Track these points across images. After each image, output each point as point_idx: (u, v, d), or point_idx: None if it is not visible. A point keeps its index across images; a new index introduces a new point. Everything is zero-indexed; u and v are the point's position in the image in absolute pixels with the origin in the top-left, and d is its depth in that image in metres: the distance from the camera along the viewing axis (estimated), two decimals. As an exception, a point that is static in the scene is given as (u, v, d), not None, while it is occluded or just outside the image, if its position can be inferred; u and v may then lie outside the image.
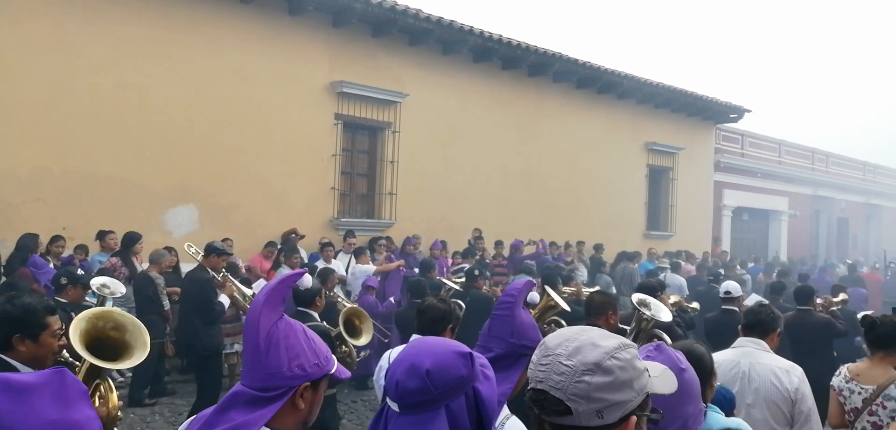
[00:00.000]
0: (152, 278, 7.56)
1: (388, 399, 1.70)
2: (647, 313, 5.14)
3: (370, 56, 11.57)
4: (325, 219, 11.09)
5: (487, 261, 11.78)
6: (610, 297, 4.70)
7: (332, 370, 1.82)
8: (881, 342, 3.96)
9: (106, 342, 2.81)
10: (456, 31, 12.02)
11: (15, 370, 2.69)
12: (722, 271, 13.63)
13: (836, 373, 4.14)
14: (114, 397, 2.73)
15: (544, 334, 4.30)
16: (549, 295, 6.07)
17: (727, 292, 7.02)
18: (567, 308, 6.18)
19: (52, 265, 7.62)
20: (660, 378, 1.54)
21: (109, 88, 9.11)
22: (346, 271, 9.74)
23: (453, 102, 12.77)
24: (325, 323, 5.45)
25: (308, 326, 1.89)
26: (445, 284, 8.81)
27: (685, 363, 1.97)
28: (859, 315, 5.13)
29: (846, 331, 7.73)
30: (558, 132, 14.60)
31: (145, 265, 8.05)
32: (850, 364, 4.22)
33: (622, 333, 5.11)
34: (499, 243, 12.25)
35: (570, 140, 14.84)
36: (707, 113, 18.14)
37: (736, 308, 6.85)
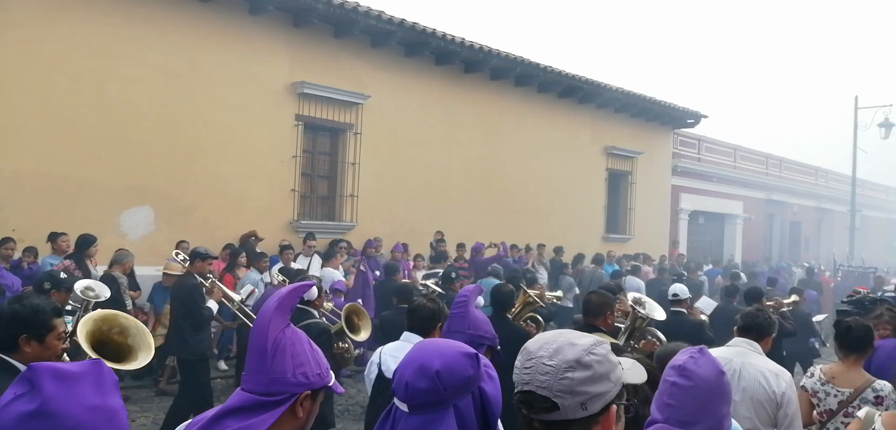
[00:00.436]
0: (115, 278, 7.47)
1: (396, 400, 1.76)
2: (642, 311, 5.29)
3: (332, 57, 11.50)
4: (285, 221, 10.98)
5: (450, 263, 11.84)
6: (608, 298, 4.83)
7: (331, 383, 1.85)
8: (855, 346, 4.07)
9: (110, 345, 2.84)
10: (418, 34, 12.02)
11: (17, 371, 2.69)
12: (684, 274, 14.05)
13: (808, 374, 4.25)
14: None
15: (521, 330, 4.43)
16: (526, 293, 6.45)
17: (675, 295, 7.18)
18: (543, 305, 6.49)
19: (1, 267, 7.40)
20: (631, 371, 1.68)
21: (64, 86, 8.88)
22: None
23: (415, 104, 12.77)
24: (324, 320, 5.66)
25: (309, 322, 1.95)
26: (429, 287, 8.87)
27: (724, 367, 2.07)
28: (820, 318, 5.33)
29: (794, 331, 8.02)
30: (520, 136, 14.71)
31: (100, 269, 7.91)
32: (823, 366, 4.31)
33: (618, 330, 5.27)
34: (460, 246, 12.30)
35: (532, 143, 14.96)
36: (665, 118, 18.47)
37: (684, 310, 7.02)
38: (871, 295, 7.13)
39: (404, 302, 7.04)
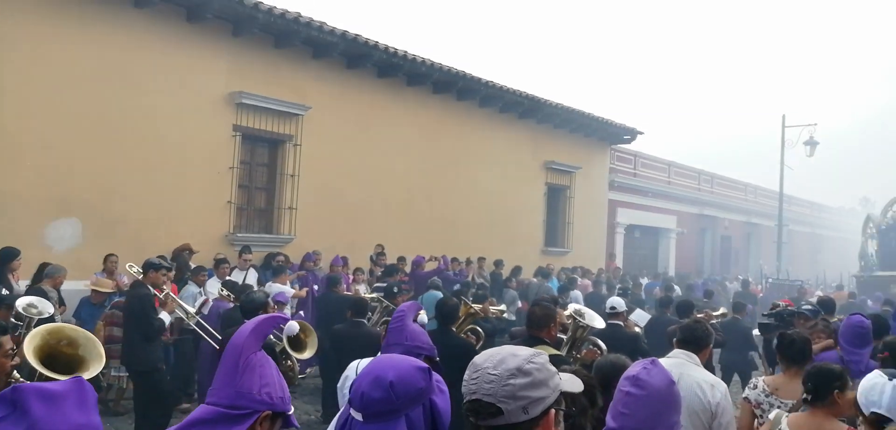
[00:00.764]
0: (46, 293, 7.15)
1: (351, 410, 1.88)
2: (583, 322, 5.51)
3: (271, 67, 11.31)
4: (221, 234, 10.71)
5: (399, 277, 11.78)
6: (551, 310, 4.97)
7: (290, 413, 1.92)
8: (797, 358, 4.18)
9: (60, 358, 2.76)
10: (361, 46, 11.95)
11: None
12: (630, 286, 14.63)
13: (751, 386, 4.36)
14: None
15: (465, 341, 4.46)
16: (467, 305, 6.64)
17: (612, 308, 7.27)
18: (484, 317, 6.50)
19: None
20: (568, 381, 1.82)
21: (-17, 91, 8.46)
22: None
23: (357, 116, 12.67)
24: (271, 338, 5.51)
25: None
26: (381, 301, 8.74)
27: (675, 377, 2.20)
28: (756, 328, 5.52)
29: (724, 342, 8.35)
30: (461, 149, 14.77)
31: (23, 284, 7.56)
32: (765, 378, 4.44)
33: (560, 341, 5.38)
34: (401, 259, 12.24)
35: (473, 157, 15.05)
36: (602, 134, 18.87)
37: (621, 322, 7.16)
38: (790, 308, 7.38)
39: (359, 316, 7.04)
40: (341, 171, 12.37)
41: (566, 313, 6.11)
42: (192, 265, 9.46)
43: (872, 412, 2.93)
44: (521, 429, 1.59)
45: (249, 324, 1.89)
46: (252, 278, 9.92)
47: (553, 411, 1.64)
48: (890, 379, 2.96)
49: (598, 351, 5.46)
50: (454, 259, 13.35)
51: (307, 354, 5.80)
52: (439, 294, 9.31)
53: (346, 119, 12.48)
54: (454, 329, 6.13)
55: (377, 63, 12.61)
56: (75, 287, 8.37)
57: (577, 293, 13.01)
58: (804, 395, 3.35)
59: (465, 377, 1.66)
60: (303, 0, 11.24)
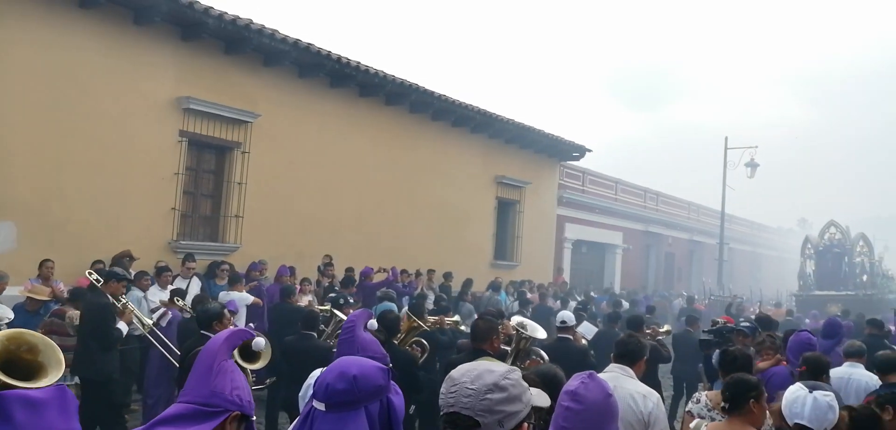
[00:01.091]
0: None
1: (314, 401, 2.03)
2: (525, 333, 5.73)
3: (221, 73, 11.15)
4: (164, 241, 10.49)
5: (336, 287, 11.70)
6: (493, 323, 5.11)
7: (252, 418, 2.08)
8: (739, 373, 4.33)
9: (19, 364, 2.64)
10: (313, 55, 11.89)
11: None
12: (589, 303, 15.06)
13: (694, 400, 4.49)
14: None
15: (407, 353, 4.56)
16: (412, 318, 6.65)
17: (563, 322, 7.31)
18: (427, 328, 6.84)
19: None
20: (537, 396, 2.00)
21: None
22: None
23: (308, 125, 12.59)
24: None
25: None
26: (337, 314, 8.63)
27: (611, 389, 2.29)
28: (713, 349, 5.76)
29: (670, 357, 8.64)
30: (413, 162, 14.81)
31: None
32: (708, 392, 4.57)
33: (505, 353, 5.50)
34: (349, 270, 12.17)
35: (425, 170, 15.10)
36: (552, 150, 19.16)
37: (570, 336, 7.25)
38: (729, 325, 7.68)
39: (309, 329, 6.94)
40: (291, 180, 12.26)
41: (511, 324, 6.29)
42: (133, 272, 9.25)
43: (795, 423, 3.14)
44: None
45: (223, 334, 2.07)
46: (195, 286, 9.73)
47: (526, 424, 1.74)
48: (810, 391, 3.18)
49: (541, 362, 5.60)
50: (403, 271, 13.34)
51: (260, 364, 5.67)
52: (393, 306, 9.22)
53: (297, 128, 12.39)
54: (395, 342, 6.18)
55: (330, 73, 12.57)
56: (9, 294, 8.07)
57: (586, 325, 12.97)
58: (722, 404, 3.48)
59: (443, 389, 1.76)
60: (256, 7, 11.10)
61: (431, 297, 13.17)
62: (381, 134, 14.08)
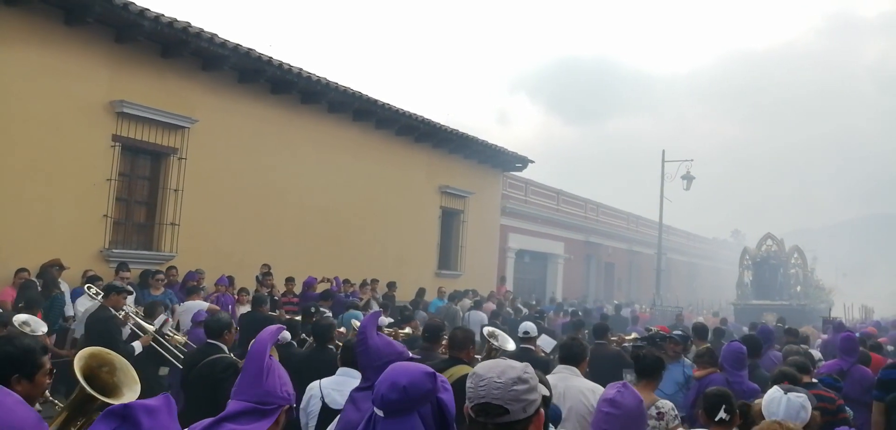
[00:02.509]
0: None
1: (375, 408, 2.29)
2: (496, 343, 6.29)
3: (157, 77, 10.84)
4: (95, 249, 10.10)
5: (277, 297, 11.49)
6: (470, 333, 5.42)
7: (294, 406, 2.40)
8: (646, 373, 4.74)
9: (98, 380, 2.95)
10: (253, 60, 11.68)
11: None
12: (536, 310, 15.54)
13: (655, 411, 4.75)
14: None
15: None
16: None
17: (526, 332, 7.65)
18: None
19: None
20: (543, 386, 2.39)
21: None
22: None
23: (248, 131, 12.35)
24: (233, 355, 5.60)
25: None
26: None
27: (641, 398, 2.82)
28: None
29: (632, 364, 8.94)
30: (357, 170, 14.69)
31: None
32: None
33: (476, 362, 5.67)
34: (290, 280, 11.97)
35: (369, 178, 15.00)
36: (495, 161, 19.32)
37: (532, 347, 7.52)
38: (661, 332, 8.14)
39: (325, 341, 6.51)
40: (230, 187, 12.00)
41: (485, 333, 6.74)
42: (61, 282, 8.89)
43: (772, 419, 3.50)
44: (521, 425, 1.97)
45: (266, 334, 2.33)
46: (129, 297, 9.39)
47: (542, 409, 2.05)
48: (785, 393, 3.66)
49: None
50: (346, 280, 13.21)
51: None
52: (359, 314, 9.82)
53: (237, 134, 12.14)
54: (332, 348, 6.29)
55: (270, 79, 12.38)
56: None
57: (478, 314, 13.32)
58: (722, 415, 3.84)
59: (471, 384, 2.01)
60: (193, 10, 10.85)
61: (375, 306, 13.09)
62: (324, 142, 13.93)
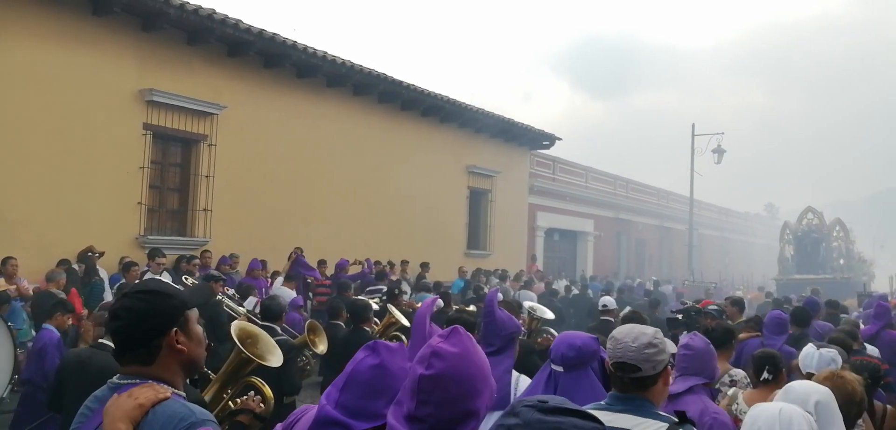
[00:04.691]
0: None
1: (553, 365, 2.80)
2: (537, 314, 7.06)
3: (184, 64, 10.96)
4: (131, 236, 10.28)
5: (309, 281, 11.59)
6: (513, 307, 6.09)
7: None
8: (718, 343, 4.72)
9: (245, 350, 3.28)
10: (278, 45, 11.75)
11: None
12: (598, 286, 16.34)
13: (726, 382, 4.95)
14: (267, 390, 3.17)
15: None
16: (391, 313, 7.03)
17: (604, 306, 8.21)
18: (407, 323, 7.02)
19: None
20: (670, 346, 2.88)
21: None
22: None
23: (275, 116, 12.44)
24: (286, 336, 6.00)
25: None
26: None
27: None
28: None
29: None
30: (383, 152, 14.72)
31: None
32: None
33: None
34: (322, 263, 12.05)
35: (395, 160, 15.02)
36: (522, 139, 19.21)
37: (611, 318, 7.85)
38: (696, 306, 8.29)
39: (357, 321, 6.79)
40: (259, 172, 12.11)
41: (525, 307, 7.53)
42: (100, 269, 9.07)
43: (807, 372, 3.86)
44: (651, 380, 2.37)
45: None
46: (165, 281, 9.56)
47: (668, 367, 2.43)
48: (818, 348, 4.02)
49: (550, 338, 6.69)
50: (377, 262, 13.26)
51: (321, 349, 6.20)
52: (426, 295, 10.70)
53: (264, 119, 12.24)
54: (367, 329, 6.56)
55: (296, 63, 12.44)
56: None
57: (528, 293, 13.90)
58: (765, 376, 4.09)
59: (610, 346, 2.42)
60: (218, -3, 10.91)
61: (407, 288, 13.11)
62: (350, 124, 13.97)
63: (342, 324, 7.29)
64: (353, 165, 14.03)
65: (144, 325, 1.87)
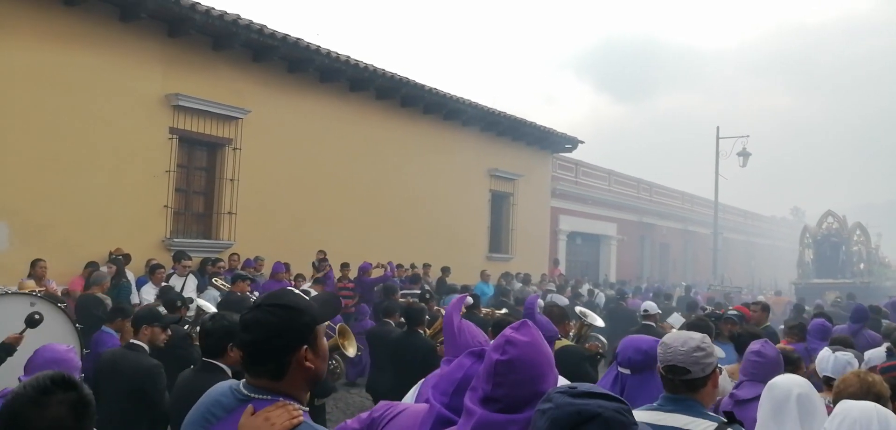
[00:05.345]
0: None
1: (620, 368, 3.06)
2: (587, 320, 6.97)
3: (210, 69, 11.08)
4: (157, 239, 10.40)
5: (334, 282, 11.63)
6: (566, 310, 6.16)
7: None
8: (740, 347, 5.13)
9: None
10: (302, 50, 11.83)
11: (223, 371, 3.69)
12: (628, 291, 16.54)
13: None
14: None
15: (429, 343, 5.82)
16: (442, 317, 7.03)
17: (646, 310, 8.40)
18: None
19: None
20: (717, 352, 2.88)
21: None
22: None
23: (299, 120, 12.52)
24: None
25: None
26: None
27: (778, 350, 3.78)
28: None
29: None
30: (405, 155, 14.75)
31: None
32: (727, 367, 5.20)
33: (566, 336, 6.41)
34: (345, 266, 12.10)
35: (417, 164, 15.05)
36: (544, 143, 19.14)
37: (653, 323, 8.02)
38: (716, 311, 8.74)
39: (413, 324, 6.67)
40: (283, 176, 12.19)
41: (577, 311, 7.39)
42: (127, 271, 9.18)
43: (824, 375, 4.15)
44: (700, 382, 2.55)
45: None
46: (191, 284, 9.64)
47: (716, 369, 2.61)
48: (833, 352, 4.23)
49: (599, 343, 6.96)
50: (399, 265, 13.28)
51: (350, 352, 6.27)
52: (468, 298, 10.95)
53: (288, 123, 12.32)
54: (421, 331, 6.58)
55: (319, 68, 12.51)
56: (0, 294, 7.96)
57: (561, 297, 13.27)
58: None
59: (660, 351, 2.62)
60: (243, 2, 11.03)
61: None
62: (373, 128, 14.02)
63: (392, 323, 7.31)
64: (376, 169, 14.07)
65: (276, 341, 1.84)
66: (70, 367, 3.52)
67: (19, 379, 2.88)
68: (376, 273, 12.43)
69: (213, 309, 7.46)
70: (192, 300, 7.96)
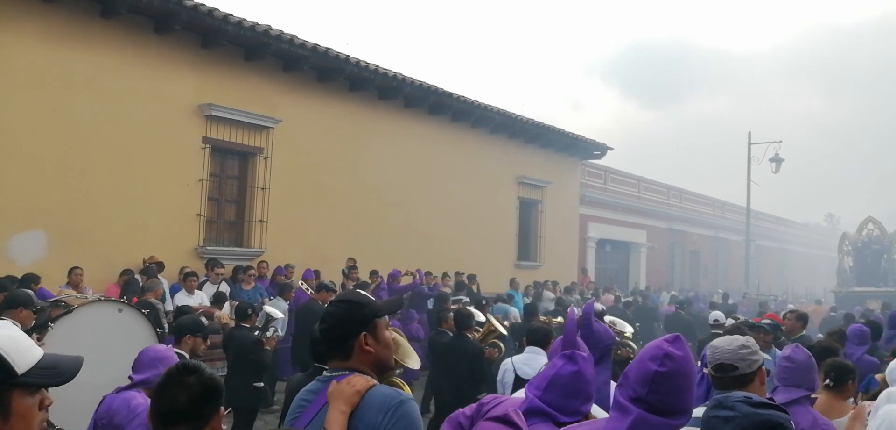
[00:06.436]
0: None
1: (704, 369, 3.14)
2: (616, 328, 7.04)
3: (242, 79, 11.24)
4: (190, 247, 10.57)
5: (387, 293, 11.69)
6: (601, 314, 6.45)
7: None
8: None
9: None
10: (332, 59, 11.94)
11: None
12: (691, 298, 16.75)
13: None
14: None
15: (476, 346, 6.57)
16: (490, 322, 7.54)
17: (716, 320, 8.65)
18: (505, 332, 7.78)
19: None
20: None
21: (-56, 101, 8.28)
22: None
23: (328, 129, 12.64)
24: None
25: None
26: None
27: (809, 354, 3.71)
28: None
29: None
30: (433, 163, 14.80)
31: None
32: None
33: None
34: (374, 273, 12.16)
35: (445, 171, 15.08)
36: (573, 149, 19.06)
37: (721, 332, 7.79)
38: (749, 321, 8.55)
39: (462, 329, 7.06)
40: (313, 183, 12.31)
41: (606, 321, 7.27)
42: (161, 278, 9.33)
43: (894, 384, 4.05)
44: (748, 377, 2.75)
45: (589, 308, 3.08)
46: (224, 291, 9.76)
47: (762, 366, 2.81)
48: None
49: (630, 350, 6.83)
50: (428, 273, 13.30)
51: (411, 364, 6.34)
52: (506, 307, 11.98)
53: (318, 132, 12.45)
54: (469, 335, 7.02)
55: (348, 77, 12.62)
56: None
57: (596, 305, 13.51)
58: (826, 381, 4.15)
59: (709, 352, 2.87)
60: (274, 13, 11.20)
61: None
62: (402, 136, 14.10)
63: (448, 332, 7.58)
64: (404, 176, 14.13)
65: (340, 329, 2.25)
66: (172, 363, 3.75)
67: (130, 377, 3.41)
68: (405, 281, 12.46)
69: (280, 315, 8.25)
70: (260, 308, 8.09)
